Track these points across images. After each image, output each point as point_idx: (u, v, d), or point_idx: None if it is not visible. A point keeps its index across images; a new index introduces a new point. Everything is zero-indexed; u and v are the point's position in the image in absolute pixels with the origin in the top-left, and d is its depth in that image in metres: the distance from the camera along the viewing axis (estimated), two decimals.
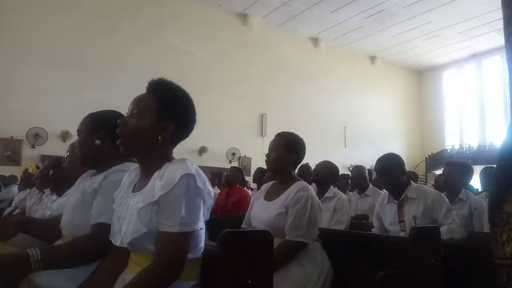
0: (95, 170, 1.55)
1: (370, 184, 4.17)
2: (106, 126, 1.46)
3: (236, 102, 11.06)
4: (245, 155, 11.10)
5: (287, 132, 2.15)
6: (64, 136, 8.80)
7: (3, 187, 6.74)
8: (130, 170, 1.34)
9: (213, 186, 5.94)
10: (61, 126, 8.77)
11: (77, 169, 1.92)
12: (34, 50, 8.57)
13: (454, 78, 15.51)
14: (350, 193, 4.51)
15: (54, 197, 2.64)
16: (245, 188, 5.51)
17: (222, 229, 1.24)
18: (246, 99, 11.29)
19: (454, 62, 15.07)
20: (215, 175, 7.59)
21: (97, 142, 1.48)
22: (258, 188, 4.15)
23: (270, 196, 2.07)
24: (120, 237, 1.18)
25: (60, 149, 8.69)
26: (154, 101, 1.22)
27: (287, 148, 2.06)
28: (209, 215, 1.23)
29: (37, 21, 8.70)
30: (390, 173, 2.43)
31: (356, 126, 13.50)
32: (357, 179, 4.15)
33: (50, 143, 8.73)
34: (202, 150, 10.10)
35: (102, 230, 1.29)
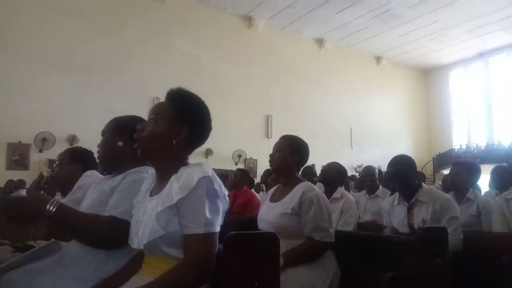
0: (110, 175, 1.58)
1: (380, 185, 4.14)
2: (129, 129, 1.48)
3: (242, 104, 11.08)
4: (251, 157, 11.11)
5: (291, 134, 2.17)
6: (71, 140, 8.87)
7: (13, 190, 6.80)
8: (147, 176, 1.38)
9: None
10: (68, 130, 8.85)
11: (68, 177, 2.03)
12: (40, 55, 8.64)
13: (461, 77, 15.40)
14: (358, 193, 4.49)
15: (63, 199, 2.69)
16: (253, 190, 5.51)
17: (228, 231, 1.25)
18: (251, 101, 11.31)
19: (461, 61, 14.97)
20: (221, 177, 7.57)
21: (120, 143, 1.52)
22: (266, 189, 4.16)
23: (275, 197, 2.09)
24: (137, 240, 1.21)
25: None
26: (171, 107, 1.27)
27: (291, 149, 2.08)
28: (223, 219, 1.24)
29: (43, 26, 8.78)
30: (404, 177, 2.42)
31: (362, 127, 13.45)
32: (367, 180, 4.13)
33: (58, 147, 8.74)
34: (208, 153, 10.11)
35: (112, 222, 1.31)
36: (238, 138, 10.80)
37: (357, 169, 11.84)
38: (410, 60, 14.82)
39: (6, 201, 1.23)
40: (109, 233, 1.30)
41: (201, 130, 1.30)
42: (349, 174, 6.67)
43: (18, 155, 8.50)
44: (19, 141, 8.52)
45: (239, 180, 4.77)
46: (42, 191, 4.03)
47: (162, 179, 1.25)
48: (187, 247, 1.12)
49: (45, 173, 5.12)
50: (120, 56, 9.57)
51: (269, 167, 2.24)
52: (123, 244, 1.30)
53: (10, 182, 7.07)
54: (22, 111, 8.29)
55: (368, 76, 14.13)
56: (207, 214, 1.12)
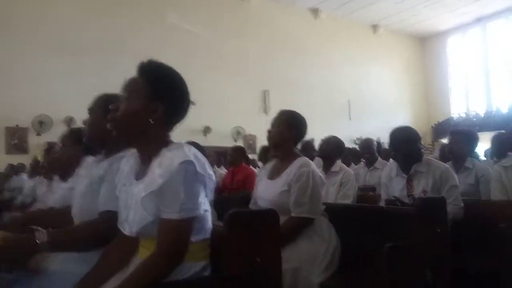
0: (95, 157, 1.55)
1: (379, 157, 4.16)
2: None
3: (238, 80, 10.95)
4: (249, 133, 11.10)
5: (288, 109, 2.15)
6: (69, 122, 8.82)
7: (13, 176, 6.82)
8: (127, 156, 1.33)
9: (218, 166, 5.97)
10: (65, 112, 8.78)
11: (67, 159, 1.99)
12: (35, 37, 8.48)
13: (459, 44, 15.20)
14: (357, 165, 4.51)
15: (62, 184, 2.68)
16: (251, 166, 5.53)
17: (229, 208, 1.25)
18: (248, 76, 11.17)
19: (458, 27, 14.73)
20: (220, 154, 7.60)
21: (109, 125, 1.48)
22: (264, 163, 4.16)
23: (273, 174, 2.09)
24: (128, 226, 1.20)
25: None
26: (143, 83, 1.20)
27: (288, 124, 2.07)
28: (213, 196, 1.23)
29: (36, 9, 8.58)
30: (408, 142, 2.41)
31: (360, 98, 13.37)
32: (365, 152, 4.14)
33: (55, 129, 8.69)
34: (206, 130, 10.09)
35: (109, 217, 1.31)
36: (236, 114, 10.75)
37: (356, 142, 11.86)
38: (407, 28, 14.57)
39: None
40: (110, 229, 1.28)
41: (178, 105, 1.23)
42: (348, 146, 6.66)
43: (17, 139, 8.48)
44: (17, 125, 8.48)
45: (235, 158, 4.80)
46: (40, 176, 4.05)
47: (144, 160, 1.22)
48: (160, 232, 1.10)
49: (39, 158, 5.14)
50: (115, 35, 9.39)
51: (267, 143, 2.24)
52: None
53: (10, 166, 7.08)
54: (18, 95, 8.20)
55: (365, 46, 13.92)
56: (183, 199, 1.09)
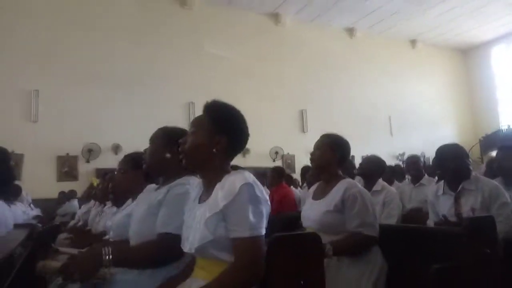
0: (155, 185, 1.68)
1: (425, 174, 4.04)
2: (176, 140, 1.55)
3: (275, 101, 11.07)
4: (288, 153, 11.10)
5: (331, 133, 2.19)
6: (116, 149, 9.26)
7: (65, 202, 7.22)
8: (195, 185, 1.46)
9: None
10: (112, 140, 9.23)
11: (128, 184, 2.07)
12: (83, 70, 9.05)
13: (504, 53, 14.56)
14: (402, 183, 4.39)
15: (114, 209, 2.82)
16: (292, 187, 5.54)
17: (271, 229, 1.29)
18: (285, 97, 11.27)
19: (502, 37, 14.15)
20: (260, 175, 7.65)
21: (168, 155, 1.62)
22: (305, 184, 4.17)
23: (317, 195, 2.12)
24: (188, 245, 1.29)
25: (112, 162, 9.15)
26: (207, 119, 1.36)
27: (332, 146, 2.11)
28: (267, 223, 1.29)
29: (84, 43, 9.18)
30: (455, 159, 2.36)
31: (401, 114, 13.06)
32: (411, 169, 4.04)
33: (103, 156, 9.21)
34: (245, 152, 10.18)
35: (167, 238, 1.42)
36: (274, 135, 10.82)
37: (399, 158, 11.53)
38: (447, 41, 14.19)
39: (66, 269, 1.34)
40: (168, 250, 1.40)
41: (239, 137, 1.38)
42: (391, 163, 6.50)
43: (67, 167, 8.96)
44: (67, 153, 8.99)
45: (273, 178, 4.86)
46: (93, 200, 4.28)
47: (208, 186, 1.34)
48: (235, 250, 1.18)
49: (95, 184, 5.45)
50: (158, 67, 9.84)
51: (306, 162, 2.27)
52: (180, 257, 1.40)
53: (61, 193, 7.49)
54: (68, 125, 8.75)
55: (404, 61, 13.68)
56: (251, 218, 1.18)
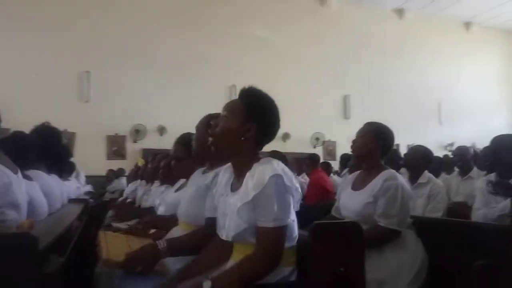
0: (204, 168, 1.75)
1: (475, 167, 3.86)
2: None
3: (318, 86, 10.90)
4: (329, 139, 10.97)
5: (375, 121, 2.15)
6: (161, 130, 9.61)
7: (114, 179, 7.62)
8: (224, 169, 1.49)
9: (299, 174, 6.01)
10: (157, 121, 9.58)
11: (186, 166, 2.18)
12: (131, 54, 9.37)
13: None
14: (450, 175, 4.23)
15: (163, 188, 2.97)
16: (332, 174, 5.53)
17: (310, 216, 1.32)
18: (328, 81, 11.07)
19: None
20: (300, 161, 7.64)
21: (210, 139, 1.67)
22: (345, 171, 4.14)
23: (357, 185, 2.09)
24: (224, 232, 1.35)
25: (157, 143, 9.52)
26: (241, 105, 1.36)
27: (374, 135, 2.06)
28: (298, 207, 1.34)
29: (134, 26, 9.45)
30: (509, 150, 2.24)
31: (452, 101, 12.40)
32: (459, 161, 3.88)
33: (149, 137, 9.61)
34: (285, 137, 10.20)
35: (215, 223, 1.47)
36: (315, 120, 10.71)
37: (448, 148, 11.04)
38: (504, 23, 13.20)
39: (128, 263, 1.46)
40: (215, 234, 1.44)
41: (269, 128, 1.37)
42: (439, 153, 6.22)
43: (116, 146, 9.43)
44: (116, 133, 9.44)
45: (310, 167, 4.88)
46: (140, 179, 4.49)
47: (239, 173, 1.38)
48: (258, 238, 1.23)
49: (140, 164, 5.71)
50: (201, 50, 9.97)
51: (348, 149, 2.25)
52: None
53: (110, 171, 7.90)
54: (118, 106, 9.15)
55: (457, 45, 12.91)
56: (277, 209, 1.21)
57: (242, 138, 1.32)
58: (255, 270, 1.21)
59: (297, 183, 1.31)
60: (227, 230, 1.32)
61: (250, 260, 1.23)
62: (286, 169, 1.29)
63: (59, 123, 2.74)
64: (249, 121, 1.33)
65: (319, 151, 9.99)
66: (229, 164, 1.46)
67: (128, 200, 4.57)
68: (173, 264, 1.53)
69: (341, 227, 1.34)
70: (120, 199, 5.08)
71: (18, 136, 2.10)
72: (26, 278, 0.94)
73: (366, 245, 1.75)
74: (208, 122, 1.69)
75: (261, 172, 1.24)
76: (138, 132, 9.56)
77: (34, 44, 8.58)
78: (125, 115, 9.29)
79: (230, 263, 1.33)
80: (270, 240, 1.21)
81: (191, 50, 9.89)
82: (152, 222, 2.17)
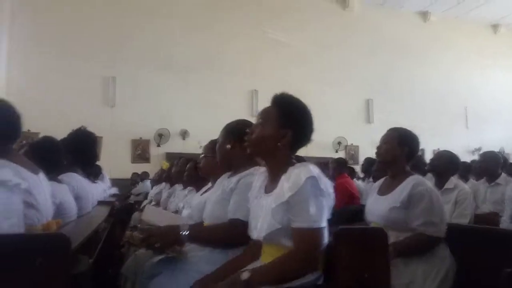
0: (230, 172, 1.81)
1: (502, 172, 3.75)
2: (235, 133, 1.74)
3: (340, 90, 10.83)
4: (351, 144, 10.86)
5: (399, 127, 2.14)
6: (183, 134, 9.75)
7: (139, 182, 7.76)
8: (259, 174, 1.54)
9: None
10: (180, 126, 9.73)
11: (211, 169, 2.23)
12: (153, 61, 9.57)
13: None
14: (479, 181, 4.11)
15: (186, 191, 3.02)
16: (355, 179, 5.46)
17: (335, 221, 1.33)
18: (350, 85, 10.98)
19: None
20: (321, 165, 7.59)
21: (228, 146, 1.76)
22: (369, 177, 4.10)
23: (383, 190, 2.08)
24: (256, 232, 1.38)
25: (180, 146, 9.69)
26: (275, 112, 1.40)
27: (399, 141, 2.05)
28: (330, 214, 1.35)
29: (159, 31, 9.67)
30: None
31: (479, 105, 12.08)
32: (487, 167, 3.76)
33: (172, 141, 9.76)
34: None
35: (237, 224, 1.54)
36: (337, 125, 10.62)
37: (475, 153, 10.75)
38: None
39: (149, 237, 1.53)
40: (236, 235, 1.52)
41: (304, 132, 1.42)
42: (467, 158, 6.06)
43: (140, 150, 9.62)
44: (140, 137, 9.63)
45: (336, 171, 4.81)
46: (164, 182, 4.58)
47: (273, 177, 1.41)
48: (295, 239, 1.25)
49: (164, 167, 5.82)
50: (221, 53, 10.08)
51: (371, 154, 2.24)
52: (248, 241, 1.50)
53: (135, 174, 8.05)
54: (142, 110, 9.34)
55: (484, 47, 12.59)
56: (313, 210, 1.23)
57: (278, 144, 1.37)
58: (291, 269, 1.23)
59: (331, 189, 1.32)
60: (259, 230, 1.35)
61: (288, 259, 1.25)
62: (322, 174, 1.31)
63: (86, 127, 2.84)
64: (284, 127, 1.37)
65: (341, 155, 9.90)
66: (263, 169, 1.51)
67: (153, 203, 4.66)
68: (195, 250, 1.61)
69: (366, 232, 1.34)
70: (145, 201, 5.17)
71: (47, 141, 2.18)
72: (59, 278, 0.97)
73: (408, 254, 1.80)
74: (226, 131, 1.82)
75: (297, 174, 1.28)
76: (161, 136, 9.72)
77: (62, 50, 8.85)
78: (149, 120, 9.48)
79: (258, 264, 1.36)
80: (306, 240, 1.23)
81: (213, 55, 10.01)
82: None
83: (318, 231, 1.24)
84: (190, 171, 2.89)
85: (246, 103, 10.36)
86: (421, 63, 11.71)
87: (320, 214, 1.25)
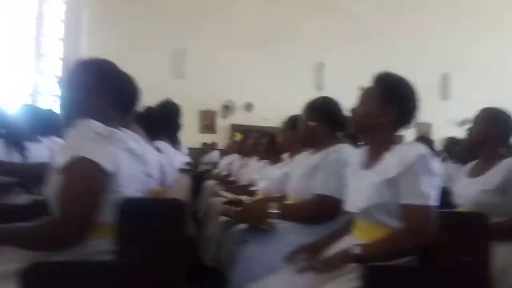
0: (312, 149, 1.83)
1: None
2: (319, 110, 1.79)
3: (413, 62, 10.02)
4: (424, 121, 10.25)
5: (493, 107, 2.03)
6: (248, 107, 9.89)
7: (208, 152, 8.09)
8: (349, 154, 1.59)
9: None
10: (245, 98, 9.87)
11: (290, 144, 2.28)
12: (222, 32, 9.65)
13: None
14: None
15: (261, 164, 3.11)
16: None
17: None
18: (425, 57, 10.19)
19: None
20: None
21: (311, 123, 1.79)
22: (451, 159, 3.89)
23: (474, 173, 2.01)
24: (353, 206, 1.40)
25: (244, 119, 9.87)
26: (378, 90, 1.42)
27: (492, 121, 1.96)
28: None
29: (228, 4, 9.73)
30: None
31: None
32: None
33: (237, 113, 9.96)
34: None
35: (325, 200, 1.59)
36: None
37: None
38: None
39: (242, 214, 1.66)
40: (324, 210, 1.58)
41: (408, 110, 1.42)
42: None
43: (208, 121, 9.94)
44: (208, 109, 9.93)
45: None
46: (238, 154, 4.72)
47: (375, 153, 1.41)
48: (406, 216, 1.25)
49: (237, 139, 6.00)
50: (287, 24, 9.89)
51: (445, 133, 2.14)
52: (335, 216, 1.54)
53: (204, 144, 8.39)
54: (210, 82, 9.54)
55: None
56: (424, 188, 1.23)
57: (382, 121, 1.38)
58: (402, 245, 1.24)
59: (441, 170, 1.31)
60: (356, 204, 1.38)
61: (399, 235, 1.26)
62: (432, 154, 1.30)
63: (156, 98, 2.96)
64: (389, 105, 1.38)
65: (411, 133, 9.45)
66: (351, 148, 1.58)
67: (223, 172, 4.84)
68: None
69: (467, 216, 1.31)
70: (216, 171, 5.39)
71: (148, 110, 2.33)
72: (177, 241, 1.06)
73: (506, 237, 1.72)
74: (311, 108, 1.85)
75: (407, 151, 1.29)
76: (227, 108, 9.95)
77: (132, 22, 9.20)
78: (216, 91, 9.70)
79: (349, 238, 1.39)
80: (419, 218, 1.23)
81: (279, 26, 9.86)
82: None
83: (430, 208, 1.23)
84: (267, 145, 2.96)
85: (312, 76, 10.19)
86: (510, 35, 10.55)
87: (431, 192, 1.24)
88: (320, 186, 1.63)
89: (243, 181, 3.56)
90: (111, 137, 1.17)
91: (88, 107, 1.24)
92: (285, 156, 2.70)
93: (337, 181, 1.58)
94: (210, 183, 4.08)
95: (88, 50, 9.21)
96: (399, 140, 1.41)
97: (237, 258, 1.60)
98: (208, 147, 8.28)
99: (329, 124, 1.81)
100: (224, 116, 9.99)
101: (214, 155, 7.68)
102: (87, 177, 1.09)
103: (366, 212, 1.33)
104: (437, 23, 10.30)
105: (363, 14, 10.14)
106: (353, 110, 1.47)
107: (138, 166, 1.26)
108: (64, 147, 1.20)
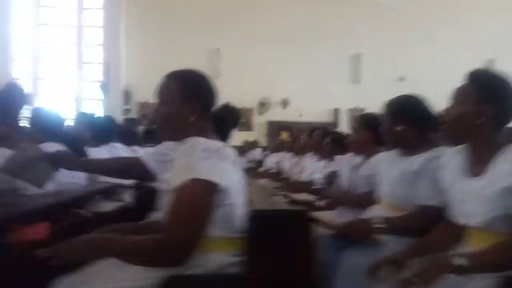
0: (405, 151, 1.74)
1: None
2: (404, 113, 1.68)
3: (452, 50, 9.77)
4: None
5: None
6: (284, 103, 9.88)
7: (250, 150, 8.13)
8: (449, 155, 1.44)
9: None
10: (281, 95, 9.85)
11: (363, 145, 2.19)
12: (258, 32, 9.69)
13: None
14: None
15: (322, 162, 3.09)
16: None
17: None
18: (464, 45, 9.83)
19: None
20: None
21: (398, 128, 1.68)
22: None
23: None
24: (466, 218, 1.30)
25: (280, 115, 9.86)
26: (472, 89, 1.30)
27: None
28: None
29: (261, 3, 9.79)
30: None
31: None
32: None
33: (273, 110, 9.96)
34: None
35: (431, 210, 1.51)
36: (448, 89, 9.70)
37: None
38: None
39: (345, 230, 1.63)
40: (432, 221, 1.46)
41: (507, 108, 1.29)
42: None
43: (245, 118, 9.97)
44: (244, 106, 9.97)
45: None
46: (289, 152, 4.71)
47: (478, 158, 1.31)
48: None
49: (283, 137, 6.01)
50: (320, 18, 9.81)
51: None
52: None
53: (246, 142, 8.43)
54: (246, 80, 9.61)
55: None
56: None
57: (477, 122, 1.27)
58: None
59: None
60: (470, 216, 1.27)
61: (508, 246, 1.17)
62: None
63: None
64: (484, 103, 1.26)
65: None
66: (454, 148, 1.42)
67: (272, 170, 4.85)
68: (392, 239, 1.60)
69: None
70: (262, 168, 5.41)
71: (215, 114, 2.35)
72: (304, 248, 1.08)
73: None
74: (396, 111, 1.73)
75: None
76: (263, 105, 9.96)
77: (168, 25, 9.40)
78: (251, 89, 9.74)
79: (467, 249, 1.29)
80: None
81: (312, 21, 9.81)
82: (340, 201, 2.24)
83: None
84: (330, 144, 2.93)
85: (347, 69, 10.04)
86: None
87: None
88: (425, 197, 1.56)
89: (298, 180, 3.55)
90: (220, 152, 1.19)
91: (183, 120, 1.27)
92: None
93: (440, 189, 1.47)
94: (262, 181, 4.08)
95: (126, 55, 9.50)
96: (507, 139, 1.30)
97: (338, 266, 1.56)
98: (249, 145, 8.32)
99: (420, 126, 1.68)
100: (260, 113, 10.01)
101: (256, 152, 7.71)
102: (201, 199, 1.12)
103: (487, 224, 1.23)
104: (474, 11, 9.89)
105: (398, 7, 9.88)
106: (447, 111, 1.36)
107: (240, 176, 1.28)
108: (178, 169, 1.21)
